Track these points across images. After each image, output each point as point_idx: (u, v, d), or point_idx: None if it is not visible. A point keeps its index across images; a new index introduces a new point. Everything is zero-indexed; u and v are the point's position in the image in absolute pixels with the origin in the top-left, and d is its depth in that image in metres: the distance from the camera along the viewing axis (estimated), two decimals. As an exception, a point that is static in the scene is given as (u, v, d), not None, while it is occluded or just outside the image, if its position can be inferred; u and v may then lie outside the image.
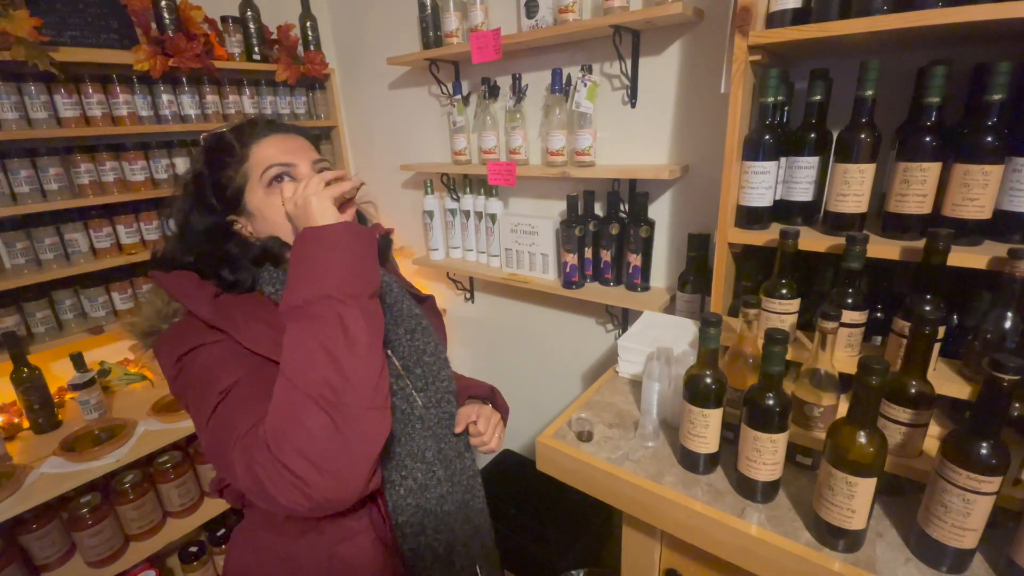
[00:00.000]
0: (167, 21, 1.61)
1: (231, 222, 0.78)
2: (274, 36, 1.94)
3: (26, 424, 1.53)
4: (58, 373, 1.65)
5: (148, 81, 1.64)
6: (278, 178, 0.76)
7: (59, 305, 1.56)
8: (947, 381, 0.83)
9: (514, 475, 1.97)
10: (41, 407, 1.51)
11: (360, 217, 0.92)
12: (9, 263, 1.47)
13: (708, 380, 0.87)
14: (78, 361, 1.55)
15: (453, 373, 0.94)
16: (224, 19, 1.78)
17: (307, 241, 0.67)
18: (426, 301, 1.02)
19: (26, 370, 1.46)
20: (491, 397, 1.01)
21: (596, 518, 1.72)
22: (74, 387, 1.53)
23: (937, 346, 0.85)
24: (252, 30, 1.84)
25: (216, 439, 0.65)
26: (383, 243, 0.95)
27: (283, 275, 0.78)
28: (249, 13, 1.83)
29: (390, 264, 1.00)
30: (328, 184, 0.71)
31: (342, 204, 0.75)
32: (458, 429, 0.88)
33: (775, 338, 0.78)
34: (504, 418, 1.01)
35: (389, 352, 0.84)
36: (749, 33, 0.96)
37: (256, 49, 1.86)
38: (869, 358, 0.68)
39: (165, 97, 1.68)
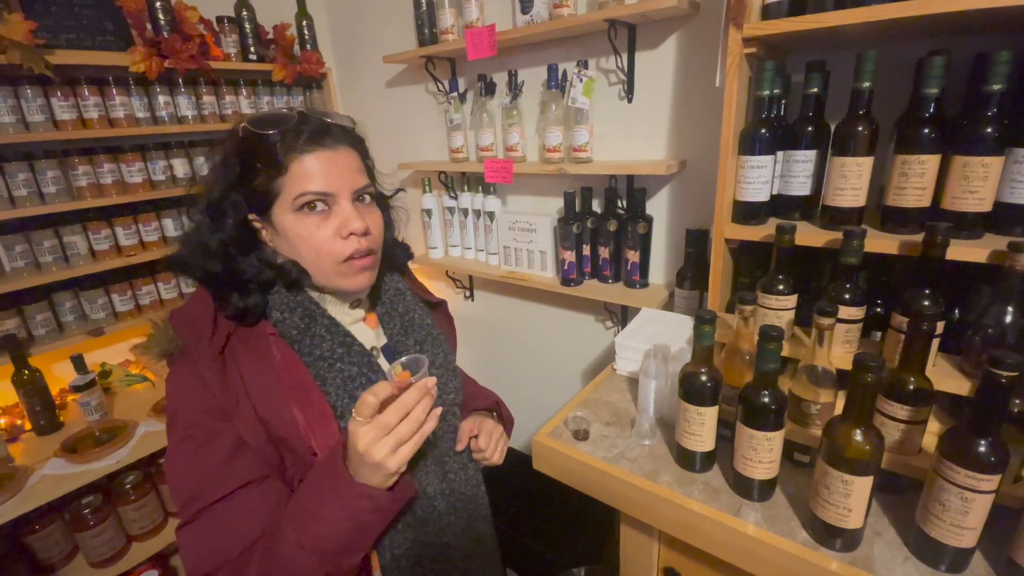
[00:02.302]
0: (162, 22, 1.61)
1: (253, 222, 0.73)
2: (270, 36, 1.94)
3: (28, 426, 1.54)
4: (59, 375, 1.67)
5: (144, 83, 1.64)
6: (311, 205, 0.69)
7: (59, 307, 1.57)
8: (947, 377, 0.82)
9: (515, 473, 1.96)
10: (43, 409, 1.52)
11: (387, 209, 0.88)
12: (8, 266, 1.47)
13: (703, 378, 0.86)
14: (79, 363, 1.56)
15: (463, 380, 0.92)
16: (220, 19, 1.78)
17: (339, 494, 0.62)
18: (439, 307, 1.01)
19: (27, 372, 1.47)
20: (495, 409, 1.00)
21: (598, 516, 1.71)
22: (75, 389, 1.54)
23: (936, 341, 0.84)
24: (248, 30, 1.84)
25: (177, 496, 0.66)
26: (403, 254, 0.93)
27: (295, 302, 0.74)
28: (244, 13, 1.82)
29: (403, 270, 0.96)
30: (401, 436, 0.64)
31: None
32: (459, 447, 0.86)
33: (770, 335, 0.76)
34: (508, 430, 0.99)
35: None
36: (744, 25, 0.94)
37: (252, 49, 1.86)
38: (864, 355, 0.67)
39: (161, 98, 1.68)
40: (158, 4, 1.60)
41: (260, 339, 0.71)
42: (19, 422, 1.54)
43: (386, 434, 0.62)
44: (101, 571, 1.48)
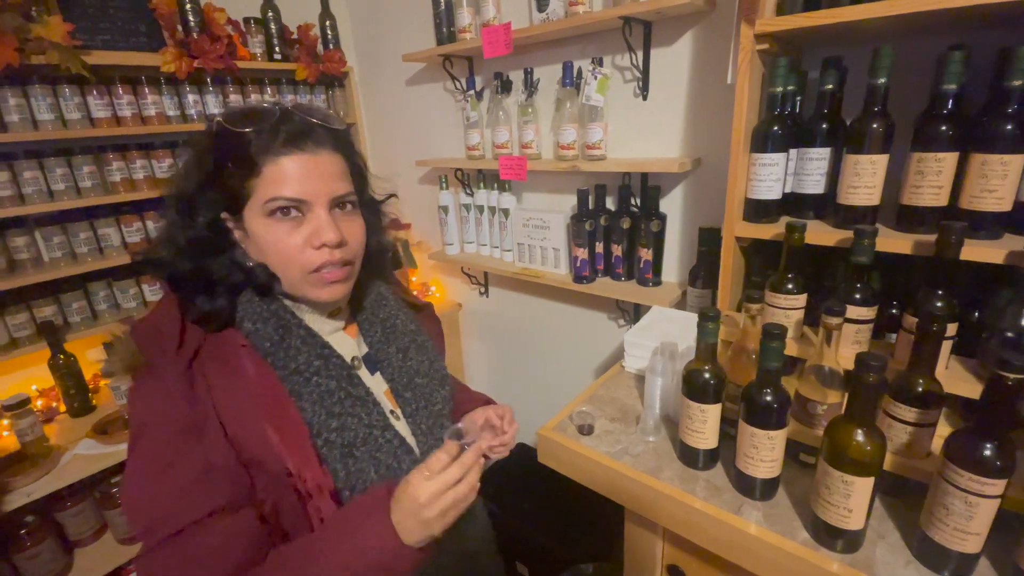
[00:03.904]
0: (192, 24, 1.68)
1: (226, 222, 0.68)
2: (294, 36, 1.99)
3: (63, 408, 1.63)
4: (93, 360, 1.75)
5: (175, 82, 1.71)
6: (283, 211, 0.64)
7: (93, 296, 1.65)
8: (959, 380, 0.80)
9: (526, 468, 1.98)
10: (76, 392, 1.60)
11: (377, 214, 0.82)
12: (47, 256, 1.55)
13: (706, 375, 0.86)
14: (111, 349, 1.64)
15: (453, 386, 0.88)
16: (246, 20, 1.84)
17: (382, 539, 0.59)
18: (424, 309, 0.96)
19: (63, 357, 1.55)
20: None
21: (609, 513, 1.70)
22: (107, 374, 1.62)
23: (950, 344, 0.82)
24: (273, 30, 1.89)
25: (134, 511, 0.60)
26: (387, 257, 0.87)
27: (268, 311, 0.69)
28: (270, 14, 1.88)
29: (388, 275, 0.92)
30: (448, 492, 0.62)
31: None
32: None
33: (773, 333, 0.76)
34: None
35: (377, 375, 0.78)
36: (756, 21, 0.94)
37: (277, 49, 1.91)
38: (866, 354, 0.66)
39: (191, 97, 1.75)
40: (188, 6, 1.66)
41: (231, 351, 0.66)
42: (54, 404, 1.63)
43: (445, 491, 0.61)
44: (128, 548, 1.56)
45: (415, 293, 2.15)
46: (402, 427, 0.75)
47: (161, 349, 0.63)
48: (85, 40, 1.46)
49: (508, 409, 0.86)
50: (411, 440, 0.75)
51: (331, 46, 2.07)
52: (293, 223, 0.65)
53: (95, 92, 1.53)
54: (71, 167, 1.54)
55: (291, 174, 0.63)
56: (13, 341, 1.49)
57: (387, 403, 0.76)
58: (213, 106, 1.79)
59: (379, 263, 0.84)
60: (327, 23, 2.05)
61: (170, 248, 0.66)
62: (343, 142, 0.71)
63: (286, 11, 1.92)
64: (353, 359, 0.76)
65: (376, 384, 0.77)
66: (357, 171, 0.74)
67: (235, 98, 1.84)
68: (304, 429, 0.65)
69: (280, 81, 1.96)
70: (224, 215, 0.67)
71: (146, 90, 1.63)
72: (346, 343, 0.77)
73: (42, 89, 1.44)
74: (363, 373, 0.76)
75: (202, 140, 0.67)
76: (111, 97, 1.58)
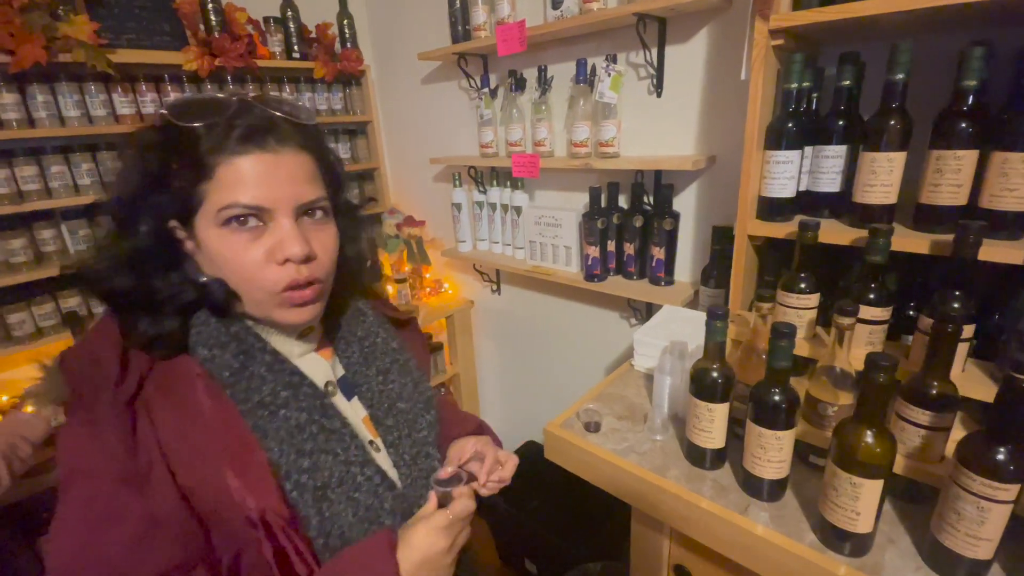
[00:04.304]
0: (214, 23, 1.71)
1: (175, 231, 0.58)
2: (313, 35, 2.02)
3: (85, 396, 1.68)
4: None
5: (196, 80, 1.74)
6: (240, 220, 0.55)
7: (116, 288, 1.70)
8: (976, 383, 0.78)
9: (536, 465, 1.98)
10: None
11: (355, 221, 0.74)
12: (73, 248, 1.60)
13: (714, 374, 0.85)
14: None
15: (442, 407, 0.81)
16: (266, 19, 1.87)
17: None
18: (408, 325, 0.88)
19: None
20: (479, 433, 0.84)
21: (617, 512, 1.70)
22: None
23: (966, 346, 0.80)
24: (292, 29, 1.92)
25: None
26: (365, 268, 0.79)
27: (227, 335, 0.60)
28: (289, 13, 1.91)
29: (366, 288, 0.83)
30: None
31: None
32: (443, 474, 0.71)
33: (782, 331, 0.75)
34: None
35: (355, 400, 0.71)
36: (770, 16, 0.92)
37: (295, 47, 1.94)
38: (876, 354, 0.65)
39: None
40: (210, 6, 1.70)
41: (183, 383, 0.57)
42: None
43: (454, 538, 0.61)
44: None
45: (428, 289, 2.18)
46: (383, 459, 0.68)
47: (96, 384, 0.54)
48: (111, 39, 1.50)
49: (500, 454, 0.79)
50: (393, 472, 0.68)
51: (348, 45, 2.09)
52: (252, 234, 0.56)
53: (120, 89, 1.58)
54: (96, 162, 1.58)
55: (249, 177, 0.54)
56: (39, 330, 1.54)
57: (366, 432, 0.69)
58: (233, 103, 1.83)
59: (356, 275, 0.76)
60: (345, 22, 2.07)
61: (107, 261, 0.56)
62: (312, 139, 0.62)
63: (305, 10, 1.95)
64: (327, 384, 0.68)
65: (353, 411, 0.70)
66: (330, 172, 0.65)
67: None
68: (268, 472, 0.56)
69: (298, 79, 2.00)
70: (172, 223, 0.57)
71: (169, 88, 1.67)
72: (319, 366, 0.69)
73: (69, 86, 1.48)
74: (339, 399, 0.69)
75: (145, 135, 0.57)
76: (135, 94, 1.62)
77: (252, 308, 0.60)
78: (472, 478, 0.72)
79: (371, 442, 0.68)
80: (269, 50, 1.88)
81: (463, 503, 0.64)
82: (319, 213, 0.61)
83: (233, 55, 1.73)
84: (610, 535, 1.67)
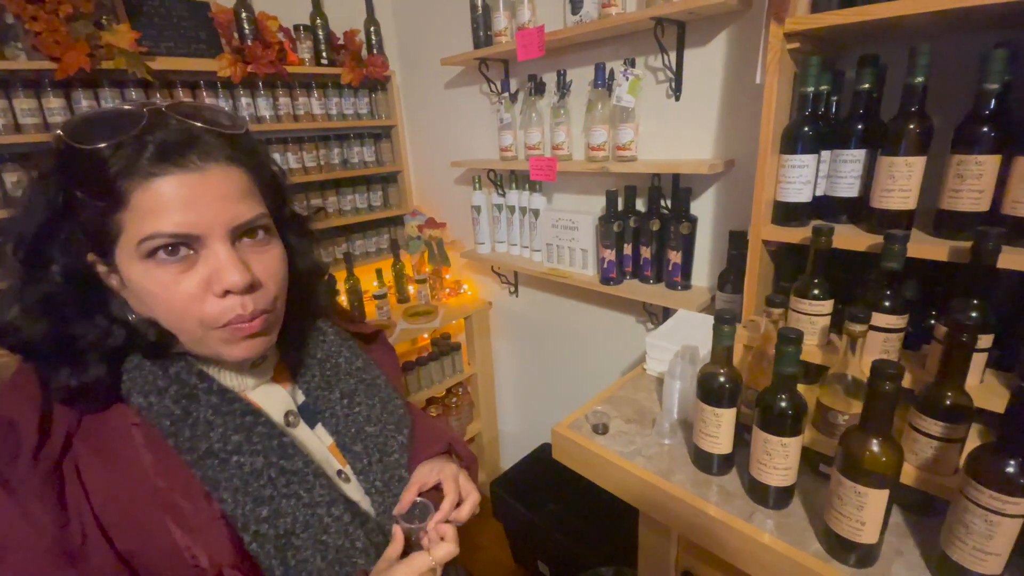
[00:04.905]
0: (247, 31, 1.78)
1: (95, 265, 0.51)
2: (341, 42, 2.08)
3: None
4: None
5: (230, 86, 1.82)
6: (168, 250, 0.48)
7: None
8: (992, 395, 0.75)
9: (554, 468, 1.98)
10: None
11: (304, 234, 0.67)
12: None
13: (721, 378, 0.84)
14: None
15: (413, 419, 0.76)
16: (296, 27, 1.94)
17: None
18: (375, 339, 0.83)
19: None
20: (449, 451, 0.79)
21: (630, 516, 1.69)
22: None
23: (984, 356, 0.77)
24: (321, 36, 1.99)
25: None
26: (321, 283, 0.72)
27: (166, 378, 0.54)
28: (318, 21, 1.97)
29: (324, 305, 0.75)
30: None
31: None
32: (398, 510, 0.66)
33: (788, 337, 0.74)
34: (472, 468, 0.81)
35: (319, 427, 0.66)
36: (785, 20, 0.92)
37: (324, 54, 2.01)
38: (882, 361, 0.64)
39: (244, 100, 1.86)
40: (244, 15, 1.77)
41: (117, 435, 0.51)
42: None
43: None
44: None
45: (448, 290, 2.21)
46: (353, 488, 0.64)
47: (10, 451, 0.46)
48: (150, 47, 1.59)
49: (463, 488, 0.71)
50: (365, 501, 0.65)
51: (375, 51, 2.15)
52: (182, 265, 0.49)
53: (158, 95, 1.66)
54: (135, 164, 1.67)
55: (170, 201, 0.47)
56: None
57: (333, 462, 0.65)
58: (264, 108, 1.90)
59: (311, 293, 0.69)
60: (371, 29, 2.13)
61: (13, 309, 0.49)
62: (242, 149, 0.54)
63: (333, 18, 2.02)
64: (287, 414, 0.63)
65: (317, 440, 0.65)
66: (269, 184, 0.58)
67: (284, 101, 1.94)
68: (225, 526, 0.52)
69: (327, 85, 2.06)
70: (91, 256, 0.51)
71: (204, 93, 1.75)
72: (275, 396, 0.63)
73: (111, 92, 1.57)
74: (301, 430, 0.64)
75: (43, 161, 0.49)
76: (172, 99, 1.70)
77: (193, 346, 0.54)
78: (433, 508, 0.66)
79: (339, 472, 0.64)
80: (299, 57, 1.95)
81: (446, 548, 0.60)
82: (260, 233, 0.54)
83: (264, 62, 1.80)
84: (624, 539, 1.66)
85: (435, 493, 0.70)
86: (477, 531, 2.19)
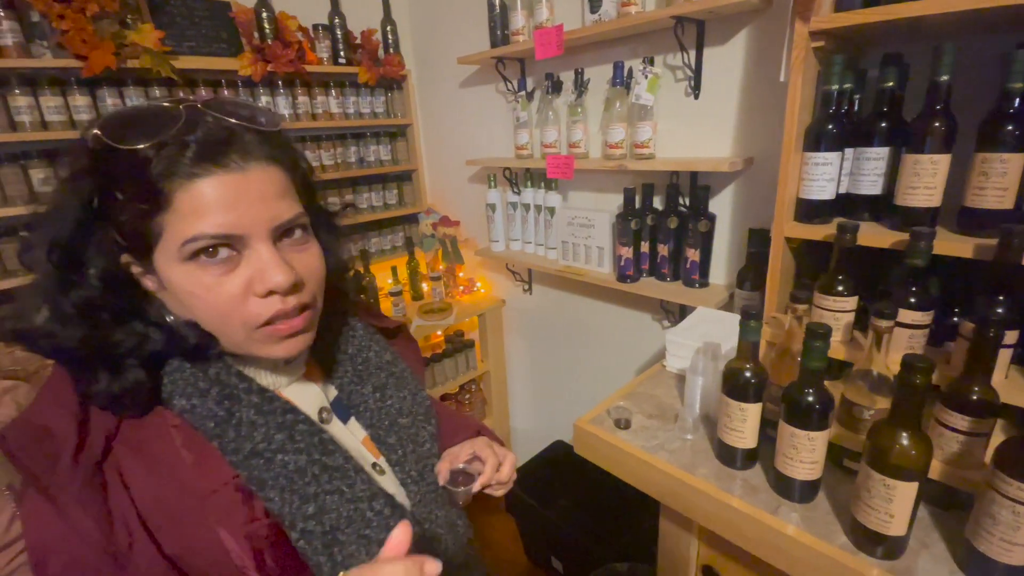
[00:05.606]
0: (267, 31, 1.81)
1: (130, 267, 0.51)
2: (358, 41, 2.10)
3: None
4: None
5: (250, 84, 1.84)
6: (209, 251, 0.48)
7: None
8: (1018, 390, 0.76)
9: (567, 465, 2.00)
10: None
11: (332, 230, 0.66)
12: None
13: (747, 374, 0.86)
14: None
15: (439, 412, 0.78)
16: (315, 27, 1.96)
17: None
18: (399, 333, 0.84)
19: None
20: (478, 435, 0.81)
21: (645, 513, 1.71)
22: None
23: (1009, 352, 0.78)
24: (339, 35, 2.01)
25: None
26: (348, 278, 0.73)
27: (207, 380, 0.53)
28: (336, 20, 1.99)
29: (352, 300, 0.76)
30: None
31: None
32: (441, 480, 0.69)
33: (817, 332, 0.75)
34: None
35: (351, 422, 0.67)
36: (811, 18, 0.92)
37: (341, 53, 2.03)
38: (913, 356, 0.65)
39: (264, 98, 1.88)
40: (264, 15, 1.79)
41: (159, 438, 0.51)
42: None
43: None
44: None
45: (461, 288, 2.23)
46: (388, 480, 0.64)
47: (50, 461, 0.45)
48: (173, 46, 1.61)
49: (498, 452, 0.74)
50: (400, 494, 0.64)
51: (391, 50, 2.16)
52: (225, 266, 0.49)
53: (181, 94, 1.68)
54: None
55: (212, 202, 0.47)
56: None
57: (368, 455, 0.65)
58: (283, 107, 1.92)
59: (340, 288, 0.69)
60: (388, 28, 2.14)
61: (43, 312, 0.48)
62: (280, 147, 0.53)
63: (351, 17, 2.04)
64: (321, 411, 0.63)
65: (351, 435, 0.65)
66: (303, 182, 0.58)
67: (303, 99, 1.96)
68: (273, 525, 0.52)
69: (344, 83, 2.08)
70: (126, 258, 0.50)
71: (225, 92, 1.78)
72: (309, 393, 0.63)
73: (135, 90, 1.59)
74: (334, 425, 0.64)
75: (76, 161, 0.48)
76: (195, 96, 1.72)
77: (232, 347, 0.54)
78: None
79: (374, 464, 0.64)
80: (317, 56, 1.97)
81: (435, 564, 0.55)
82: (298, 232, 0.54)
83: (284, 61, 1.82)
84: (637, 536, 1.67)
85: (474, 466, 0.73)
86: (490, 528, 2.21)
